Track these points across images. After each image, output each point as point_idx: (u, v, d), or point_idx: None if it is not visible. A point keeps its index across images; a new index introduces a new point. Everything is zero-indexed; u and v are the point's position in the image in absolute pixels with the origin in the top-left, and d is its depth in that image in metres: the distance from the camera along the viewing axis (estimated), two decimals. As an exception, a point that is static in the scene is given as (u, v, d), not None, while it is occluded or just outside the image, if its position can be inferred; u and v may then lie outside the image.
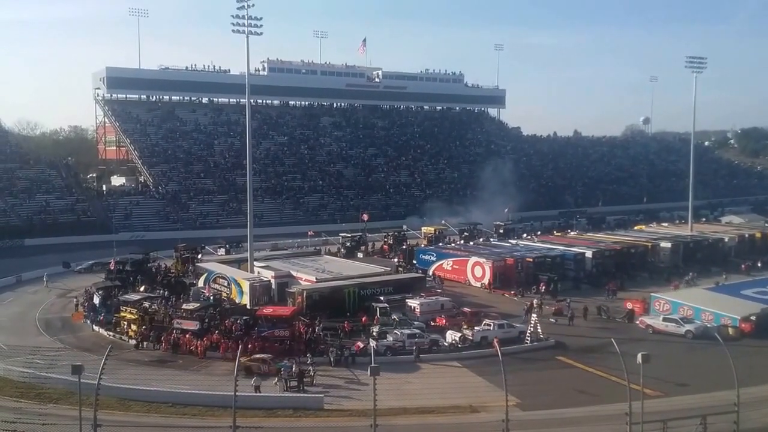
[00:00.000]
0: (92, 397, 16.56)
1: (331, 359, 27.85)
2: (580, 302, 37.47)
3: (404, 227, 67.12)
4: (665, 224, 67.46)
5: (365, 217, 68.65)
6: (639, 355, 17.48)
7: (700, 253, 51.82)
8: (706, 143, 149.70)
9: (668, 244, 51.26)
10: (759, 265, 49.27)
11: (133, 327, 32.09)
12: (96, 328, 34.31)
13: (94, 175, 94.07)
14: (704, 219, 71.39)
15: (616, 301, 38.76)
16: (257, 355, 27.26)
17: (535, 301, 37.50)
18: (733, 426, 17.55)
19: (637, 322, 34.51)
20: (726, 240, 54.65)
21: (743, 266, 48.89)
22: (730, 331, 31.40)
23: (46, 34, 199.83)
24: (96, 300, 37.15)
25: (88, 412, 16.65)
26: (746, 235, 56.67)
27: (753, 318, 32.16)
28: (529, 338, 30.96)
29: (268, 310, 32.31)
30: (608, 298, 39.87)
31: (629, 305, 36.65)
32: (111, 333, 33.07)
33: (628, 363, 17.46)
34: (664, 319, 33.38)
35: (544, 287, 41.21)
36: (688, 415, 19.08)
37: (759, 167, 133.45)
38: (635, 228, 64.26)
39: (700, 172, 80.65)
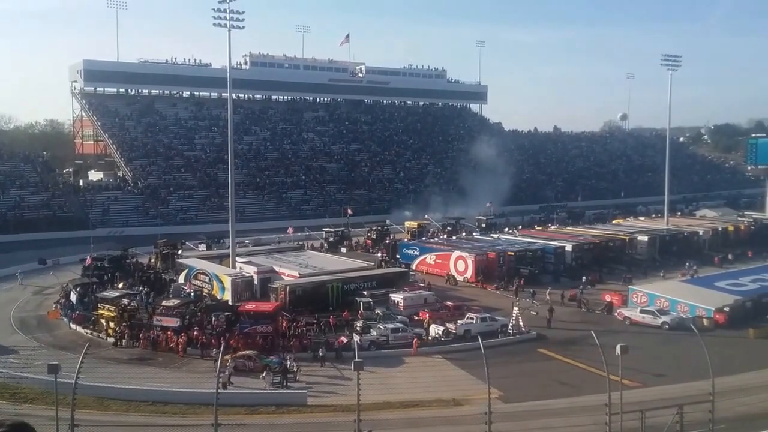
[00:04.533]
0: (69, 397, 16.23)
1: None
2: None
3: (387, 222, 67.15)
4: (642, 218, 68.97)
5: (350, 211, 68.49)
6: (618, 347, 17.78)
7: (676, 246, 53.09)
8: (681, 139, 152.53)
9: (645, 238, 52.40)
10: (731, 257, 50.62)
11: (112, 324, 31.53)
12: (73, 326, 33.61)
13: (71, 170, 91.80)
14: (679, 213, 72.96)
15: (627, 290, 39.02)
16: (243, 352, 27.05)
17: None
18: (709, 415, 17.97)
19: (616, 314, 35.21)
20: (700, 233, 56.08)
21: (716, 259, 50.19)
22: (705, 322, 32.23)
23: (22, 25, 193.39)
24: (73, 297, 36.37)
25: (65, 411, 16.33)
26: (719, 229, 58.26)
27: (726, 309, 33.05)
28: (511, 331, 31.34)
29: (250, 306, 32.04)
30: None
31: (608, 297, 37.34)
32: (89, 331, 32.43)
33: (607, 354, 17.75)
34: (642, 311, 34.10)
35: (523, 281, 41.62)
36: (665, 404, 19.52)
37: (731, 162, 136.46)
38: (613, 222, 65.70)
39: (675, 168, 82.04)
